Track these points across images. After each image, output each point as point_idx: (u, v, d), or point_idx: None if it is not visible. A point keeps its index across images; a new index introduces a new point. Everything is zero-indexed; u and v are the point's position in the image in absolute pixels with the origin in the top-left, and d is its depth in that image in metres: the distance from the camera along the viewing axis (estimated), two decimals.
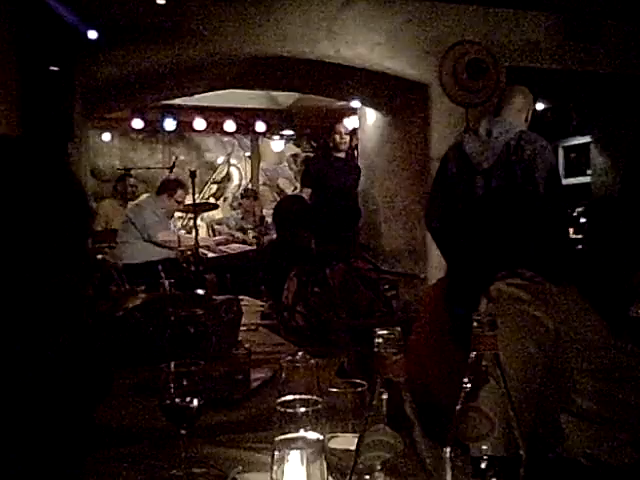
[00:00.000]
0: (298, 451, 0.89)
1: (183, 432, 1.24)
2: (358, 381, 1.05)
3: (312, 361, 1.30)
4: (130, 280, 3.51)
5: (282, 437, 0.90)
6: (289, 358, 1.33)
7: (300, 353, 1.37)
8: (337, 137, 6.26)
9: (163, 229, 5.79)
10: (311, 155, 9.05)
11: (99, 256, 5.57)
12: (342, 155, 6.36)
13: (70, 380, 1.59)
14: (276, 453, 0.89)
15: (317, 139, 9.35)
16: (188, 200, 6.26)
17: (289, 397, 0.96)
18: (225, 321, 2.38)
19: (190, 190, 6.03)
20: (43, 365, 1.56)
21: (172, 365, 1.24)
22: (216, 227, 8.48)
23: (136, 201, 6.39)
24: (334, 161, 6.34)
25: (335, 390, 1.06)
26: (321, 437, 0.92)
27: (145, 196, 6.37)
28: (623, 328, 1.52)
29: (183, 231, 7.71)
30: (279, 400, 0.93)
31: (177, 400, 1.23)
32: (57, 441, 1.33)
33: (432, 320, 1.88)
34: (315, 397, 0.96)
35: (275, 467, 0.89)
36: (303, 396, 0.97)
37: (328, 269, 2.76)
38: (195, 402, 1.23)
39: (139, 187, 7.82)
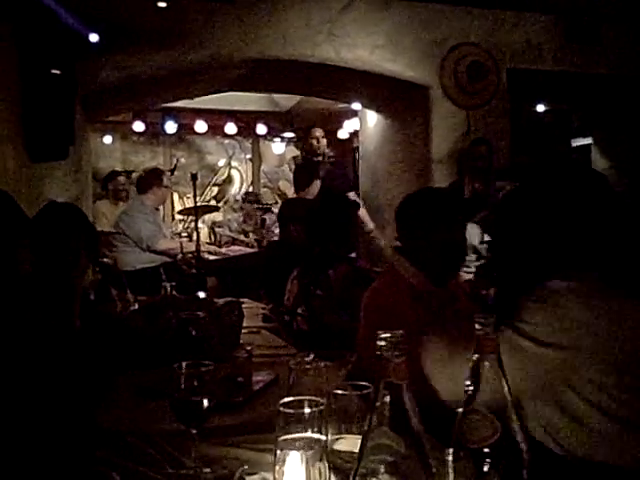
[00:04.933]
0: (298, 451, 0.89)
1: (194, 432, 1.25)
2: (363, 384, 1.06)
3: (321, 364, 1.30)
4: (131, 286, 3.50)
5: (285, 437, 0.90)
6: (298, 360, 1.33)
7: (311, 355, 1.37)
8: (314, 142, 6.19)
9: (162, 237, 5.71)
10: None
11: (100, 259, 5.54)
12: (320, 159, 6.25)
13: (71, 382, 1.60)
14: (278, 453, 0.90)
15: (302, 144, 9.32)
16: (189, 202, 6.20)
17: (291, 398, 0.97)
18: (226, 324, 2.38)
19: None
20: (44, 367, 1.57)
21: (183, 365, 1.26)
22: (217, 230, 8.48)
23: (123, 208, 6.12)
24: (322, 166, 6.26)
25: (340, 392, 1.06)
26: (323, 438, 0.92)
27: (131, 201, 6.09)
28: None
29: (185, 234, 7.70)
30: (282, 401, 0.94)
31: (188, 400, 1.24)
32: (59, 442, 1.33)
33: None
34: (318, 399, 0.96)
35: (277, 467, 0.90)
36: (306, 397, 0.97)
37: (331, 270, 2.76)
38: (205, 402, 1.24)
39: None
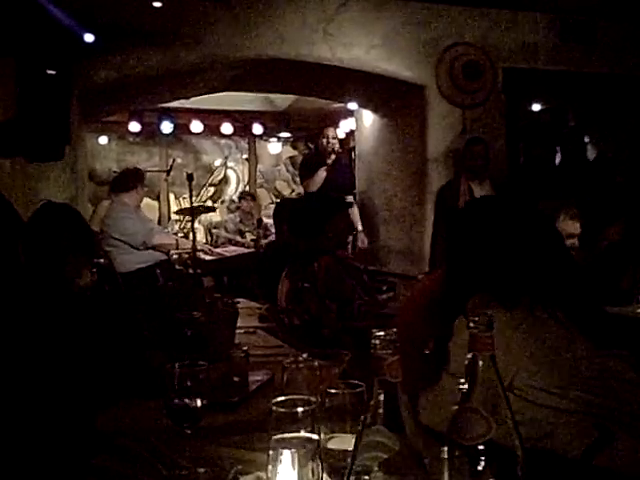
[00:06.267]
0: (290, 451, 0.89)
1: (188, 432, 1.25)
2: (356, 382, 1.06)
3: (315, 363, 1.30)
4: (127, 287, 3.48)
5: (278, 437, 0.90)
6: (292, 359, 1.33)
7: (304, 355, 1.37)
8: (324, 141, 6.24)
9: (156, 232, 5.65)
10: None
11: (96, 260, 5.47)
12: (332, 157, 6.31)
13: (70, 384, 1.59)
14: (271, 452, 0.90)
15: (314, 141, 9.35)
16: (185, 202, 6.15)
17: (285, 397, 0.96)
18: (222, 321, 2.38)
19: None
20: (44, 369, 1.56)
21: (176, 366, 1.26)
22: (213, 231, 8.47)
23: (103, 212, 5.89)
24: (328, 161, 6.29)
25: (333, 391, 1.06)
26: (316, 437, 0.92)
27: (108, 203, 5.83)
28: (607, 337, 1.56)
29: (181, 234, 7.69)
30: (275, 400, 0.94)
31: (181, 401, 1.24)
32: (59, 444, 1.33)
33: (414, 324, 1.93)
34: (310, 397, 0.96)
35: (270, 466, 0.90)
36: (299, 396, 0.97)
37: (316, 263, 2.78)
38: (198, 402, 1.24)
39: None
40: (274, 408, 0.91)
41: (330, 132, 6.35)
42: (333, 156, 6.25)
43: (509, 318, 1.52)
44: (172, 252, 5.69)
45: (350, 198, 6.14)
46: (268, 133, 8.80)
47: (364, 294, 2.73)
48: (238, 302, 3.77)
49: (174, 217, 8.49)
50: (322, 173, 6.04)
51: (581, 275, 1.78)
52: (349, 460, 0.84)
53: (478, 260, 1.68)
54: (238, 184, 9.50)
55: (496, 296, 1.56)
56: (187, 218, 7.64)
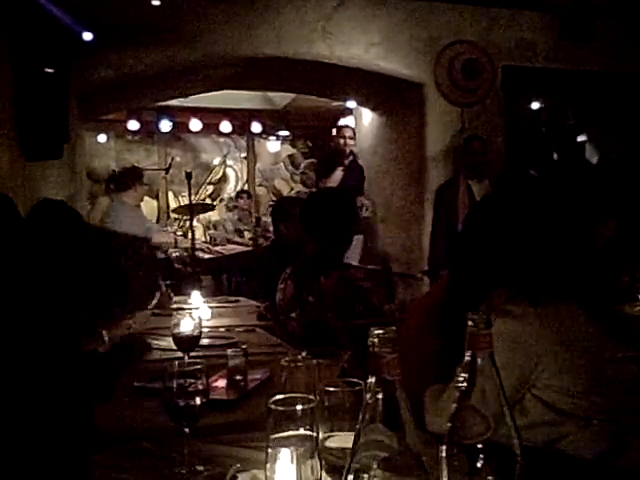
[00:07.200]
0: (289, 449, 0.89)
1: (186, 431, 1.25)
2: (355, 380, 1.06)
3: (313, 361, 1.30)
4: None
5: (277, 435, 0.90)
6: (290, 358, 1.33)
7: (303, 353, 1.37)
8: (341, 141, 6.18)
9: (154, 231, 5.65)
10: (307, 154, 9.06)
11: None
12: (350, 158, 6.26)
13: (69, 383, 1.59)
14: (269, 451, 0.90)
15: (313, 139, 9.34)
16: (184, 201, 6.15)
17: (283, 396, 0.96)
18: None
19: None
20: (43, 369, 1.56)
21: (175, 365, 1.26)
22: (210, 232, 8.46)
23: (101, 209, 5.85)
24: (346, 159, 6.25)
25: (332, 389, 1.06)
26: (314, 435, 0.92)
27: (107, 202, 5.79)
28: (619, 329, 1.54)
29: (180, 233, 7.68)
30: (273, 399, 0.94)
31: (180, 399, 1.24)
32: (58, 443, 1.33)
33: (424, 323, 1.91)
34: (309, 396, 0.96)
35: (268, 465, 0.90)
36: (297, 394, 0.97)
37: (322, 276, 2.71)
38: (197, 401, 1.25)
39: None
40: (272, 407, 0.92)
41: (347, 132, 6.27)
42: (351, 157, 6.21)
43: (536, 314, 1.49)
44: (171, 251, 5.70)
45: (365, 202, 6.06)
46: (267, 131, 8.79)
47: (369, 315, 2.64)
48: (238, 300, 3.78)
49: (173, 215, 8.49)
50: (339, 173, 6.01)
51: (595, 272, 1.76)
52: (348, 458, 0.84)
53: (497, 257, 1.64)
54: (237, 182, 9.50)
55: (522, 292, 1.53)
56: (186, 216, 7.63)
